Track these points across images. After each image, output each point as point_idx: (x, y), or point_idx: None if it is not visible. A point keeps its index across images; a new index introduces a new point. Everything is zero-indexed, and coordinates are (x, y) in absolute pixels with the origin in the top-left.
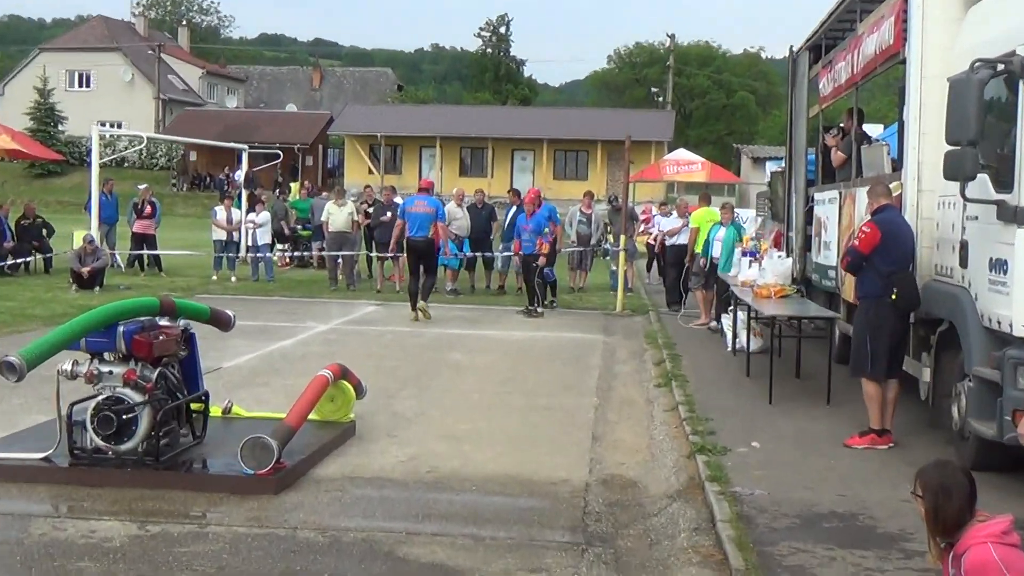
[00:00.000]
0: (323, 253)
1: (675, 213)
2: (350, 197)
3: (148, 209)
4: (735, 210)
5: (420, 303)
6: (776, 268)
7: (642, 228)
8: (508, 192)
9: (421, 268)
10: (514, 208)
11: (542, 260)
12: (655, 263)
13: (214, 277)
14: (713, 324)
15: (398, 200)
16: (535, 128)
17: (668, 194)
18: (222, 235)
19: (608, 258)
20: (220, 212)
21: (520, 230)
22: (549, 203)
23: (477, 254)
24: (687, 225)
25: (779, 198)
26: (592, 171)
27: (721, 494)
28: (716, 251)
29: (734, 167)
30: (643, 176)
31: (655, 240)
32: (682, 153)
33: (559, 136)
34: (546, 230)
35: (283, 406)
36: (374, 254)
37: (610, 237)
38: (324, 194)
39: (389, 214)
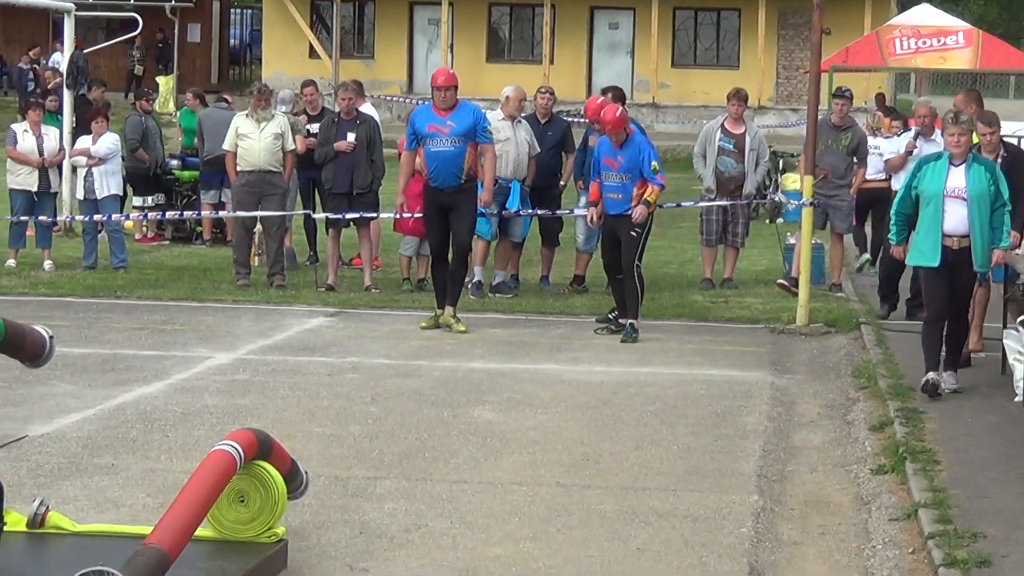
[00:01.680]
0: (224, 214)
1: (906, 128)
2: (279, 106)
3: None
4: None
5: (445, 311)
6: None
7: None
8: (603, 93)
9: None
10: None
11: (640, 211)
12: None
13: (11, 262)
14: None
15: (369, 110)
16: None
17: (898, 94)
18: (30, 180)
19: (781, 222)
20: (23, 135)
21: (601, 167)
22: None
23: (526, 213)
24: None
25: None
26: (747, 51)
27: None
28: (956, 221)
29: None
30: (849, 59)
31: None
32: (925, 14)
33: None
34: (654, 164)
35: (147, 513)
36: (320, 215)
37: (789, 180)
38: (224, 100)
39: (352, 137)
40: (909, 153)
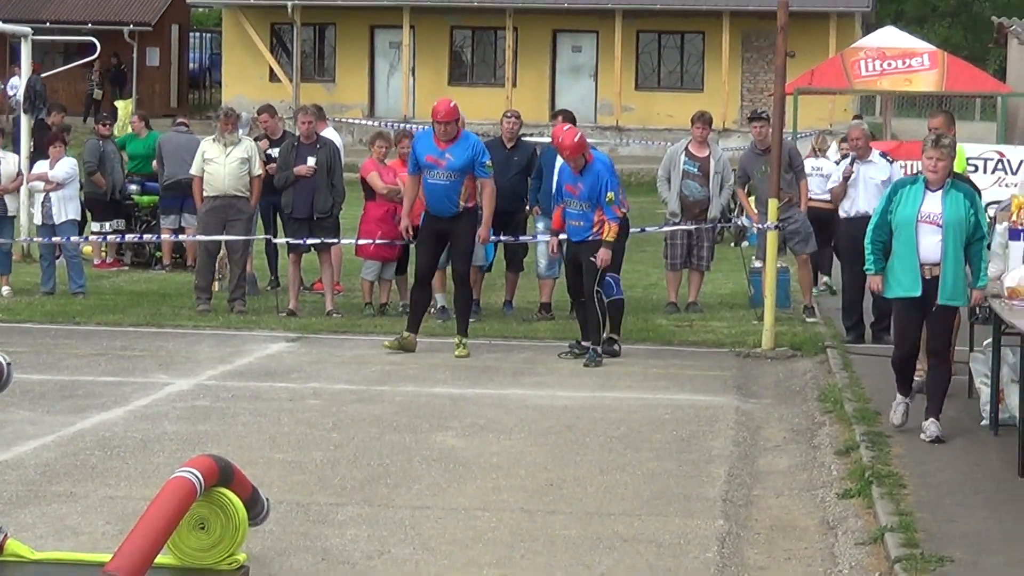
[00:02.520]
0: (184, 238)
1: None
2: (241, 129)
3: None
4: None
5: (456, 338)
6: None
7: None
8: (553, 117)
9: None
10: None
11: (603, 256)
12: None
13: None
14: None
15: (331, 134)
16: None
17: (864, 116)
18: None
19: (746, 245)
20: None
21: (563, 194)
22: (599, 152)
23: (495, 239)
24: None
25: None
26: (711, 74)
27: None
28: (929, 249)
29: (993, 63)
30: (814, 82)
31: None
32: (890, 36)
33: (645, 3)
34: (610, 196)
35: (107, 540)
36: (280, 240)
37: (750, 203)
38: (179, 124)
39: (312, 161)
40: (847, 179)
